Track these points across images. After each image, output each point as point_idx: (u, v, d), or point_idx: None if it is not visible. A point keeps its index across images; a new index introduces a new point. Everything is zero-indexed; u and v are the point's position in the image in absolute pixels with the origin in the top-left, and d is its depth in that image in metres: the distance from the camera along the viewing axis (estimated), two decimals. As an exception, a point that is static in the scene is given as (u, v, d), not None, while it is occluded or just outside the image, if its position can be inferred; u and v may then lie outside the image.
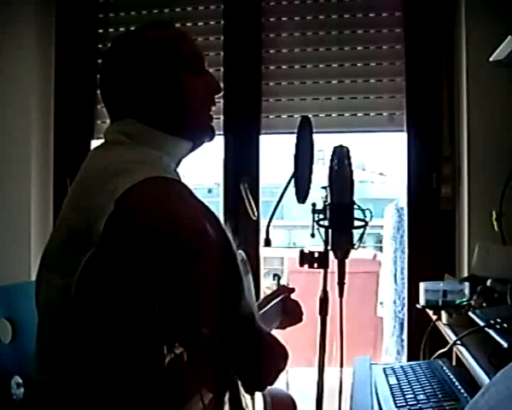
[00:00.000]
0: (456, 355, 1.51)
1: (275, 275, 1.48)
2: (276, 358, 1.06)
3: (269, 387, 1.16)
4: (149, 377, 0.99)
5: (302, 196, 1.21)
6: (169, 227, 0.91)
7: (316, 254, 1.24)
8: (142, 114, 1.12)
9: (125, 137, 1.11)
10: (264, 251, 2.32)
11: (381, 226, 4.00)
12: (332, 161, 1.23)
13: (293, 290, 1.45)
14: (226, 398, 1.08)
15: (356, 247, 1.24)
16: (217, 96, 1.19)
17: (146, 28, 1.18)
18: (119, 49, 1.16)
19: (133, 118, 1.12)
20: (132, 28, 1.21)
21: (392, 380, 1.46)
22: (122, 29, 2.43)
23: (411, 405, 1.27)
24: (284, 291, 1.42)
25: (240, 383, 1.05)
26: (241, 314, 0.99)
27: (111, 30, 2.45)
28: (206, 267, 0.94)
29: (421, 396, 1.31)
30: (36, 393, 1.07)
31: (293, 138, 1.20)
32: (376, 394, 1.39)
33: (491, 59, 1.72)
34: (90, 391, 0.98)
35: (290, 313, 1.41)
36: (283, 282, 1.49)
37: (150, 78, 1.12)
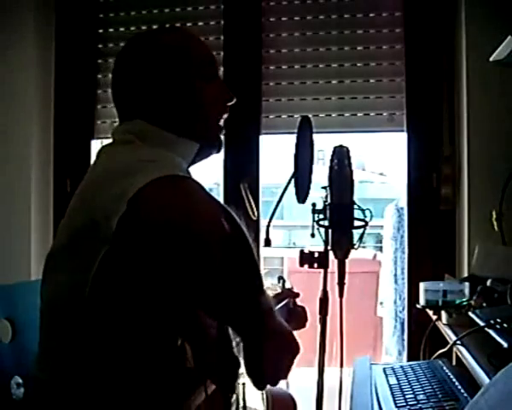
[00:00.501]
0: (456, 355, 1.51)
1: (280, 277, 1.46)
2: (291, 354, 1.03)
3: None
4: (160, 370, 1.00)
5: (302, 196, 1.20)
6: (185, 224, 0.90)
7: (316, 254, 1.24)
8: (152, 116, 1.12)
9: (134, 137, 1.11)
10: (264, 251, 2.32)
11: (381, 226, 4.00)
12: (332, 161, 1.23)
13: (297, 295, 1.43)
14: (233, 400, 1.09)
15: (356, 247, 1.24)
16: (228, 104, 1.19)
17: (161, 31, 1.19)
18: (134, 51, 1.16)
19: (143, 119, 1.12)
20: (144, 28, 1.21)
21: (392, 380, 1.45)
22: (122, 29, 2.44)
23: (411, 405, 1.27)
24: (289, 295, 1.40)
25: (251, 379, 1.04)
26: (261, 309, 0.97)
27: (111, 30, 2.46)
28: (225, 263, 0.93)
29: (421, 396, 1.31)
30: (37, 391, 1.07)
31: (293, 138, 1.20)
32: (376, 394, 1.39)
33: (491, 59, 1.72)
34: (95, 388, 0.98)
35: (295, 318, 1.38)
36: (288, 285, 1.46)
37: (162, 81, 1.12)
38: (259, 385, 1.05)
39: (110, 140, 1.16)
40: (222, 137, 1.20)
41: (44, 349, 1.07)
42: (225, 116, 1.20)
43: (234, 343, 1.06)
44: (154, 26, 2.33)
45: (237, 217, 1.04)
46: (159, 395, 1.00)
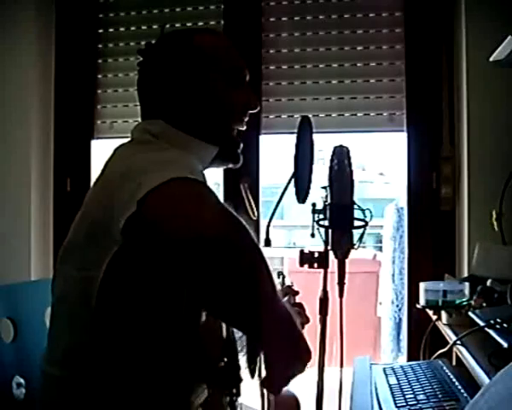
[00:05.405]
0: (456, 355, 1.51)
1: (279, 273, 1.45)
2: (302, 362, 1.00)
3: None
4: (165, 366, 1.01)
5: (302, 196, 1.20)
6: (192, 229, 0.88)
7: (316, 254, 1.23)
8: (174, 118, 1.13)
9: (151, 137, 1.11)
10: (264, 251, 2.32)
11: (381, 226, 4.00)
12: (332, 161, 1.23)
13: (297, 293, 1.42)
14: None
15: (356, 247, 1.24)
16: (251, 112, 1.21)
17: (194, 32, 1.19)
18: (164, 49, 1.16)
19: (163, 119, 1.13)
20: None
21: (392, 380, 1.45)
22: (122, 29, 2.44)
23: (411, 405, 1.27)
24: (288, 292, 1.40)
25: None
26: (279, 316, 0.94)
27: (111, 30, 2.46)
28: (240, 269, 0.92)
29: (421, 396, 1.31)
30: (46, 386, 1.07)
31: (293, 138, 1.20)
32: (376, 394, 1.39)
33: (491, 59, 1.72)
34: (105, 383, 0.99)
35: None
36: (288, 281, 1.45)
37: (188, 83, 1.13)
38: (269, 389, 1.04)
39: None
40: (239, 150, 1.22)
41: (53, 345, 1.07)
42: (245, 120, 1.20)
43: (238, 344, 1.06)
44: (154, 26, 2.35)
45: (243, 220, 1.04)
46: (162, 389, 1.01)
